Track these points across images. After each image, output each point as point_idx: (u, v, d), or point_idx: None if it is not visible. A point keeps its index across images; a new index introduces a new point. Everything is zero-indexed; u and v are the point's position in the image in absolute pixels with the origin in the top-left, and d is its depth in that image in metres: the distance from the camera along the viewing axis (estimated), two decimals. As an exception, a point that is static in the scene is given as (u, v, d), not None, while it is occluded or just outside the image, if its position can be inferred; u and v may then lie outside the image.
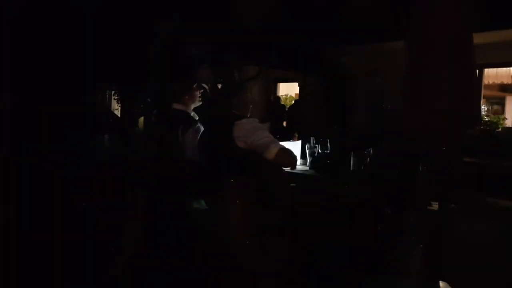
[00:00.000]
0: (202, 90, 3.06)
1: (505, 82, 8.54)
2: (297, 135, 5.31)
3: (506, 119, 7.60)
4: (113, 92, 8.74)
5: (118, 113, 8.80)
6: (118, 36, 6.34)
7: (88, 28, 5.95)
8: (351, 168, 3.73)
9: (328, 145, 3.98)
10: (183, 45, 6.23)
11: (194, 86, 3.01)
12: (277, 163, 2.43)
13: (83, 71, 6.18)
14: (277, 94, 10.91)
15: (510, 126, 7.39)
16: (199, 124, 2.86)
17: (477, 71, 6.42)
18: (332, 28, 7.09)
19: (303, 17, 7.16)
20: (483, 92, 7.23)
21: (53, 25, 5.42)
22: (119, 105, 8.59)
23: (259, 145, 2.37)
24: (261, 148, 2.36)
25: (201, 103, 3.05)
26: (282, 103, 11.31)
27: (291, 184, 3.19)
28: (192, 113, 3.01)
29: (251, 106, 2.71)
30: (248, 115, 2.64)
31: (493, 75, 8.05)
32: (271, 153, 2.33)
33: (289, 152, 2.40)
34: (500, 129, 6.83)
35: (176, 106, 2.98)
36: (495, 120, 7.11)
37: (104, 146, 4.61)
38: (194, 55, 6.04)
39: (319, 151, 3.97)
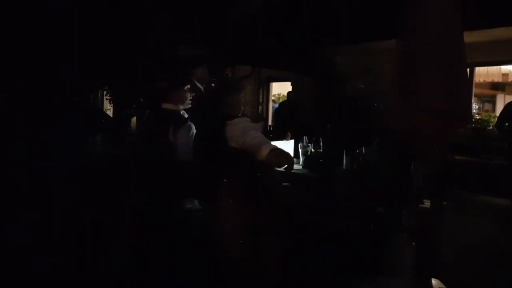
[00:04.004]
0: (193, 94, 3.06)
1: (496, 81, 8.62)
2: (290, 134, 5.32)
3: (497, 117, 7.67)
4: (105, 92, 8.69)
5: (110, 113, 8.75)
6: (111, 35, 6.31)
7: (81, 27, 5.91)
8: (344, 167, 3.74)
9: (321, 144, 3.99)
10: (176, 45, 6.21)
11: (185, 87, 3.00)
12: (269, 163, 2.43)
13: (75, 71, 6.14)
14: (270, 94, 10.91)
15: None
16: (189, 122, 2.86)
17: (468, 69, 6.48)
18: (325, 27, 7.10)
19: (296, 16, 7.16)
20: (474, 90, 7.28)
21: (44, 23, 5.38)
22: (112, 105, 8.54)
23: (251, 145, 2.37)
24: (252, 149, 2.36)
25: (190, 105, 3.05)
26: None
27: (284, 184, 3.19)
28: (182, 111, 3.01)
29: (242, 105, 2.71)
30: (239, 114, 2.64)
31: (484, 73, 8.11)
32: (263, 153, 2.33)
33: (281, 152, 2.40)
34: (491, 127, 6.88)
35: (166, 105, 2.98)
36: (486, 118, 7.16)
37: (97, 146, 4.59)
38: (187, 55, 6.03)
39: (312, 150, 3.98)
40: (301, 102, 8.52)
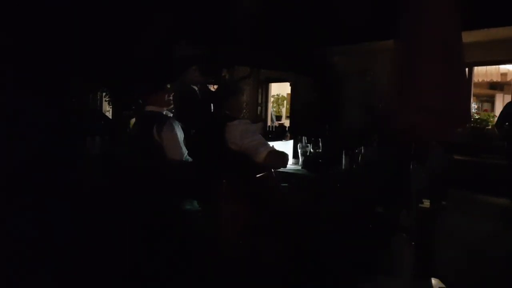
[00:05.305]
0: (172, 94, 3.09)
1: (495, 80, 8.62)
2: (289, 135, 5.32)
3: (496, 116, 7.67)
4: (104, 93, 8.71)
5: (109, 114, 8.76)
6: (109, 37, 6.31)
7: (79, 28, 5.91)
8: (343, 167, 3.74)
9: (320, 144, 3.98)
10: (171, 46, 6.22)
11: (164, 89, 3.05)
12: (267, 165, 2.44)
13: (74, 72, 6.15)
14: (269, 95, 10.90)
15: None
16: (171, 120, 2.89)
17: (467, 69, 6.48)
18: (323, 27, 7.10)
19: (294, 16, 7.16)
20: (472, 90, 7.28)
21: (43, 24, 5.38)
22: (110, 106, 8.55)
23: (249, 148, 2.39)
24: (251, 151, 2.38)
25: (171, 105, 3.09)
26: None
27: (283, 184, 3.19)
28: (165, 112, 3.05)
29: (244, 108, 2.72)
30: (241, 116, 2.65)
31: (482, 73, 8.12)
32: (261, 156, 2.35)
33: (278, 154, 2.42)
34: (490, 127, 6.89)
35: (149, 108, 3.03)
36: (485, 118, 7.17)
37: (96, 148, 4.59)
38: (180, 55, 6.04)
39: (311, 150, 3.98)
40: (301, 102, 8.54)
